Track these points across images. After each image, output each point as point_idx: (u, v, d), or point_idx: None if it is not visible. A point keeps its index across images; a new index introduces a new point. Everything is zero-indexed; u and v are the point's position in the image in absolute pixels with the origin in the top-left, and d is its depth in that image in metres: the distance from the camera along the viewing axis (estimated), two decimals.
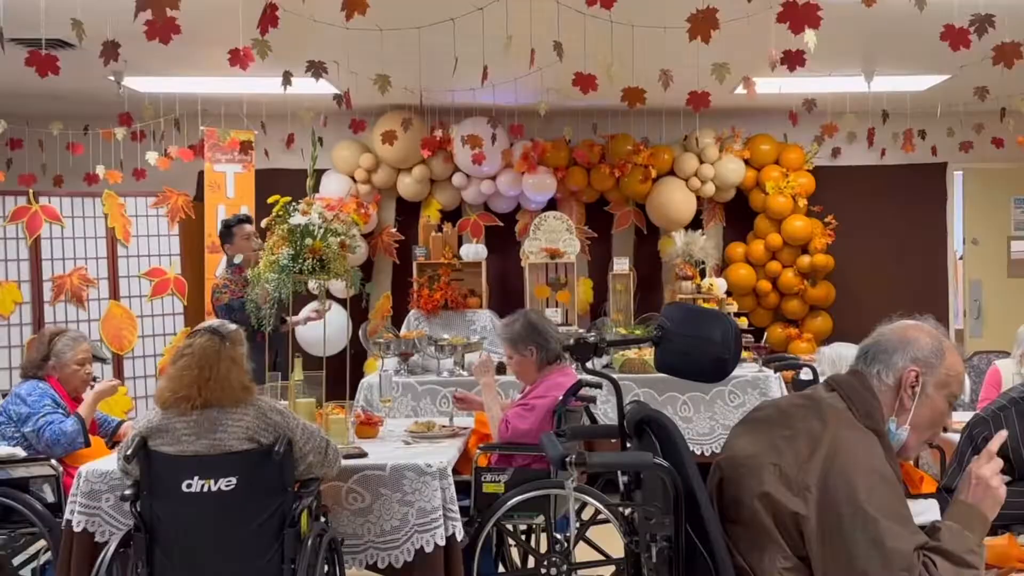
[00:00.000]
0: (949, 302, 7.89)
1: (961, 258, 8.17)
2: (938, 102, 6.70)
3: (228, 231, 5.93)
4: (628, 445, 2.39)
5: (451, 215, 7.73)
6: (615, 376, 5.94)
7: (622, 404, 2.56)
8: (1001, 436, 2.12)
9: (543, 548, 3.97)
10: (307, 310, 6.40)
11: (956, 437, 3.38)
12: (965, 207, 8.04)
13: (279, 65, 4.09)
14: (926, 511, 3.70)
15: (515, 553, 4.43)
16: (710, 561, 2.01)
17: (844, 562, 1.93)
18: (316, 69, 4.03)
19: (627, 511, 2.51)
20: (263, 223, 4.01)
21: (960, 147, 6.69)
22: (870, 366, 2.19)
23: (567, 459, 2.09)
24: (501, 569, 4.30)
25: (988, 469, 2.04)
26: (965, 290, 8.03)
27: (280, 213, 3.86)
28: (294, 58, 4.19)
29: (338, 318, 6.86)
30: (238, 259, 5.71)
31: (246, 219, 6.04)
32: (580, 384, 4.06)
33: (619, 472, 2.38)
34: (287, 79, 4.10)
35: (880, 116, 6.24)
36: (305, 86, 4.74)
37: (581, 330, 5.95)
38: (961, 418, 3.91)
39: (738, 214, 7.79)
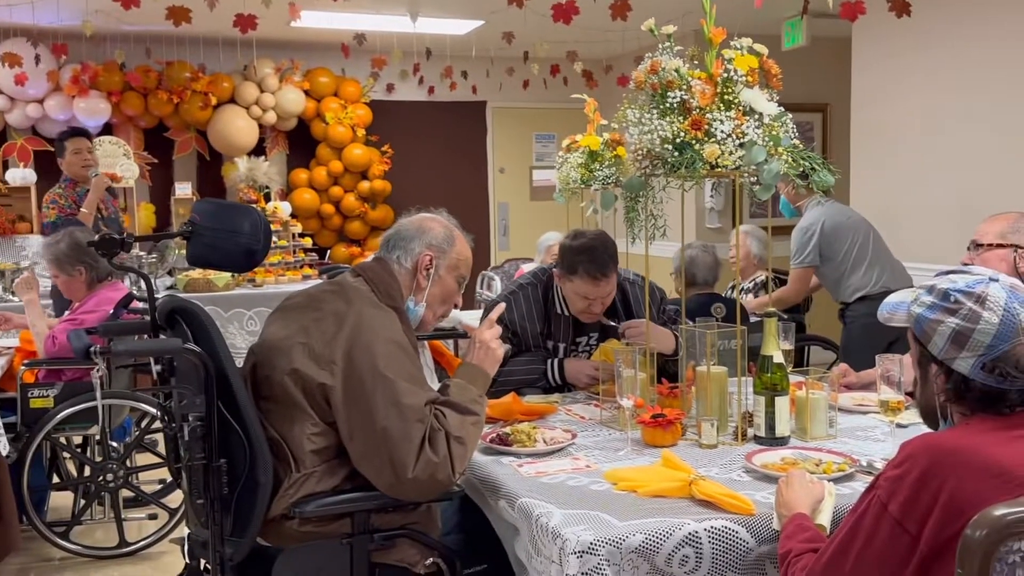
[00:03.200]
0: (490, 218, 8.76)
1: None
2: (474, 45, 7.33)
3: (60, 145, 5.24)
4: (162, 335, 2.39)
5: None
6: (182, 295, 5.97)
7: (154, 298, 2.62)
8: (500, 308, 2.43)
9: (100, 458, 3.97)
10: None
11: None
12: (495, 140, 8.79)
13: None
14: None
15: (71, 465, 4.37)
16: (243, 434, 2.07)
17: (368, 421, 2.03)
18: None
19: (164, 399, 2.50)
20: None
21: (497, 87, 7.44)
22: (391, 252, 2.34)
23: (91, 349, 2.12)
24: (56, 480, 4.24)
25: (488, 334, 2.27)
26: (494, 211, 8.84)
27: None
28: None
29: None
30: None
31: (80, 132, 5.34)
32: (131, 297, 4.07)
33: (152, 361, 2.40)
34: None
35: (424, 54, 6.73)
36: None
37: (140, 252, 5.84)
38: None
39: (300, 142, 7.98)
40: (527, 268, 5.74)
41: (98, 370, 3.57)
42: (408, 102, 8.25)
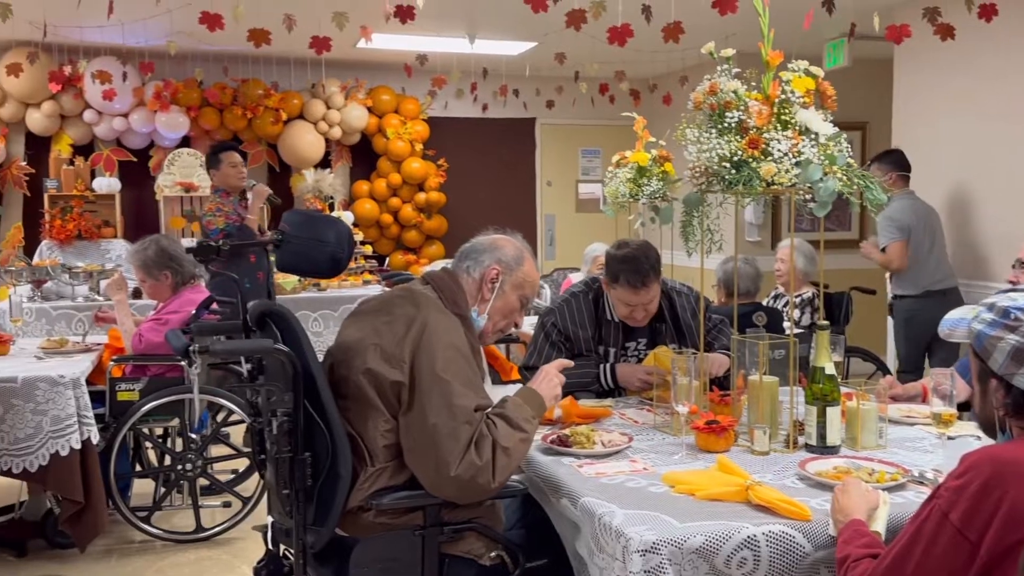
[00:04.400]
0: (537, 229, 8.76)
1: None
2: (527, 65, 7.35)
3: (215, 157, 5.28)
4: (252, 337, 2.40)
5: (83, 150, 7.26)
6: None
7: (245, 300, 2.66)
8: (569, 363, 2.40)
9: (180, 448, 4.03)
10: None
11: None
12: (543, 155, 8.77)
13: None
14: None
15: (152, 455, 4.44)
16: (326, 430, 2.10)
17: (420, 418, 2.06)
18: None
19: (252, 395, 2.50)
20: None
21: (545, 105, 7.46)
22: (462, 263, 2.37)
23: (191, 348, 2.13)
24: (140, 469, 4.31)
25: (555, 369, 2.33)
26: (541, 222, 8.83)
27: None
28: None
29: None
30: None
31: (232, 146, 5.43)
32: (211, 299, 4.12)
33: (244, 360, 2.42)
34: None
35: (482, 74, 6.77)
36: None
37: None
38: None
39: (363, 155, 8.05)
40: (575, 277, 5.74)
41: (195, 368, 3.63)
42: (463, 119, 8.28)
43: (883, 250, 4.95)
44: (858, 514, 1.76)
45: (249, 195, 5.30)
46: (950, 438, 2.26)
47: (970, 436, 2.39)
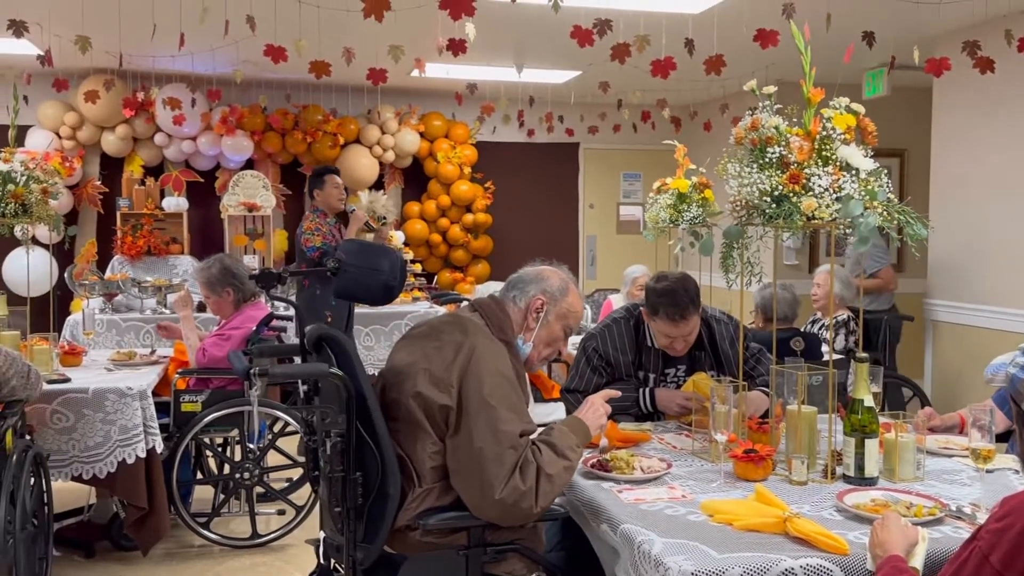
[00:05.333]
0: (579, 250, 8.73)
1: None
2: (572, 92, 7.36)
3: (319, 179, 5.44)
4: (308, 359, 2.42)
5: (154, 171, 7.40)
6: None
7: (303, 325, 2.68)
8: (617, 393, 2.42)
9: (239, 458, 4.07)
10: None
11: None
12: (585, 178, 8.75)
13: None
14: (554, 411, 4.19)
15: (212, 463, 4.48)
16: (376, 451, 2.10)
17: (467, 441, 2.05)
18: (17, 28, 3.75)
19: (307, 415, 2.54)
20: None
21: (588, 130, 7.44)
22: (509, 292, 2.35)
23: (251, 371, 2.14)
24: (200, 476, 4.35)
25: (599, 397, 2.32)
26: (583, 243, 8.80)
27: None
28: None
29: (42, 261, 6.40)
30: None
31: (334, 170, 5.60)
32: (271, 316, 4.16)
33: (300, 382, 2.42)
34: None
35: (528, 101, 6.78)
36: (8, 46, 4.39)
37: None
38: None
39: (414, 178, 8.10)
40: (615, 299, 5.69)
41: (256, 389, 3.66)
42: (509, 143, 8.29)
43: (872, 276, 5.37)
44: (896, 550, 1.70)
45: (351, 218, 5.42)
46: (988, 471, 2.19)
47: (1008, 470, 2.31)
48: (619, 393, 2.40)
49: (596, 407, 2.30)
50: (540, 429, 2.20)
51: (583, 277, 8.54)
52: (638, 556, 1.86)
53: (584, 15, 4.15)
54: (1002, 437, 2.37)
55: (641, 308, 3.10)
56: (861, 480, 2.22)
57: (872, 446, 2.22)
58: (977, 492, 2.10)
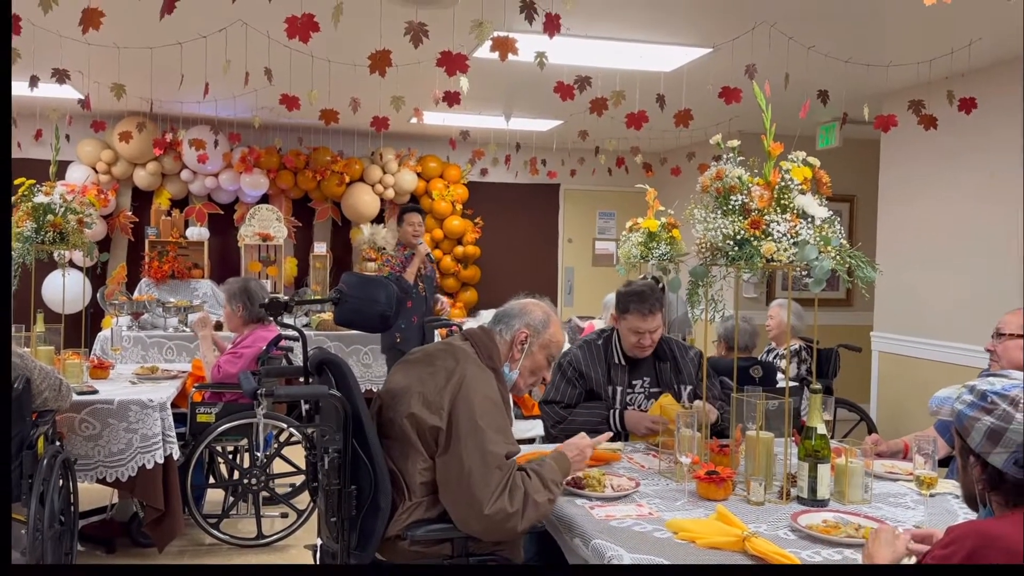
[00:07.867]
0: (558, 280, 8.67)
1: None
2: (554, 139, 7.37)
3: (401, 217, 5.43)
4: (311, 381, 2.37)
5: (179, 203, 7.30)
6: (312, 333, 5.99)
7: (307, 350, 2.60)
8: (607, 435, 2.35)
9: (247, 464, 3.97)
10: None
11: None
12: (565, 215, 8.69)
13: (26, 71, 3.79)
14: (533, 427, 4.13)
15: (224, 469, 4.36)
16: (370, 466, 2.05)
17: (456, 460, 2.00)
18: (60, 75, 3.70)
19: (309, 431, 2.48)
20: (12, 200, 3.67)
21: (569, 173, 7.41)
22: (496, 325, 2.30)
23: (259, 391, 2.10)
24: (212, 481, 4.23)
25: (589, 444, 2.24)
26: (562, 274, 8.74)
27: (25, 193, 3.65)
28: (42, 66, 3.87)
29: (77, 283, 6.30)
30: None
31: (417, 209, 5.52)
32: (280, 337, 4.08)
33: (303, 401, 2.36)
34: (34, 82, 3.71)
35: (514, 147, 6.76)
36: (52, 90, 4.37)
37: (283, 296, 5.90)
38: None
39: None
40: (596, 324, 5.62)
41: (263, 408, 3.58)
42: (497, 183, 8.25)
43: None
44: (881, 561, 1.63)
45: (416, 252, 5.40)
46: (931, 496, 2.12)
47: (949, 494, 2.24)
48: (607, 439, 2.36)
49: (583, 450, 2.23)
50: (522, 448, 2.13)
51: (561, 305, 8.47)
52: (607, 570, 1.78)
53: (567, 72, 4.15)
54: (943, 462, 2.31)
55: (612, 325, 3.07)
56: (814, 502, 2.16)
57: (824, 471, 2.15)
58: (920, 515, 2.04)
